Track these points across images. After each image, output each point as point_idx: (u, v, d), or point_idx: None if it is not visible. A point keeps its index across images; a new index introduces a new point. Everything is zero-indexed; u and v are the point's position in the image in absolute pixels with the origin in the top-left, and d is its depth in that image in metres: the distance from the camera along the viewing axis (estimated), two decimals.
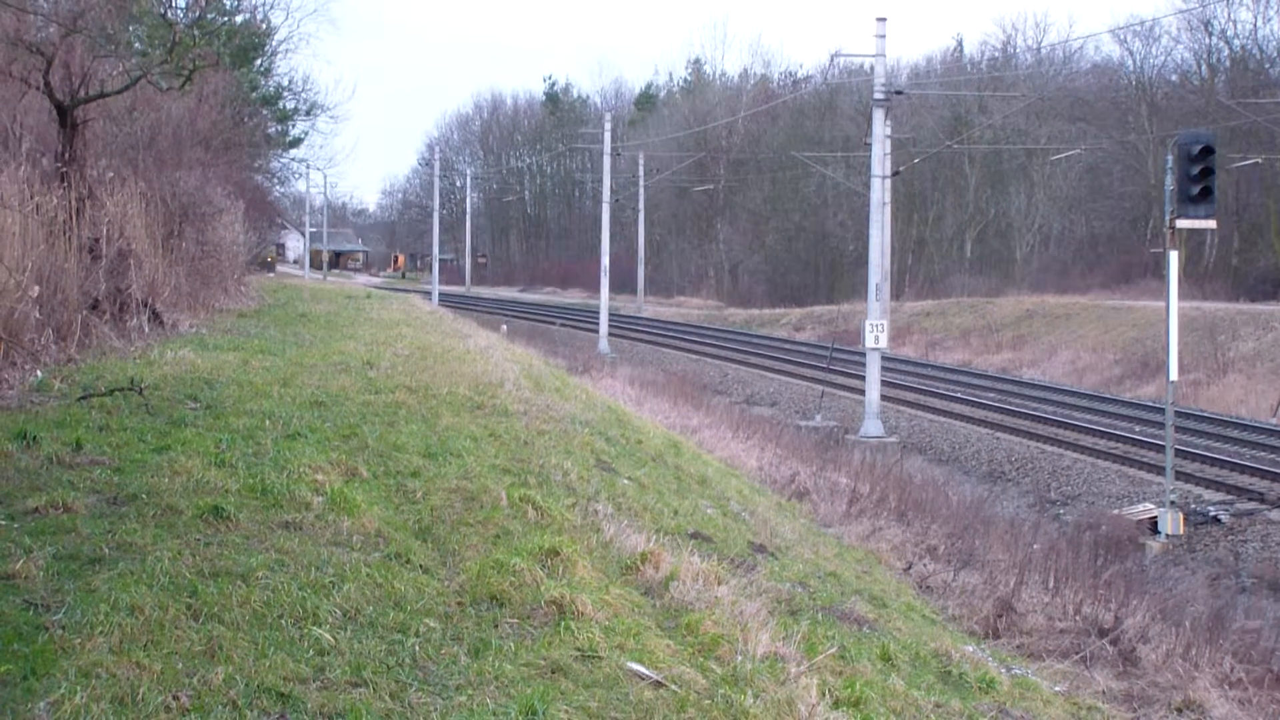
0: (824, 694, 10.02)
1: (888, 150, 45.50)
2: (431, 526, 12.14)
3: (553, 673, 9.11)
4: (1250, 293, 70.05)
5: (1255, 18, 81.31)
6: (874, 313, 42.97)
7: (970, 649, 14.32)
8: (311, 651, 8.77)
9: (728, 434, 33.14)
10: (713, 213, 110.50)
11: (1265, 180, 75.01)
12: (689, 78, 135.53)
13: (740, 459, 28.47)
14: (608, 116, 77.01)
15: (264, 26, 56.22)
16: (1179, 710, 14.23)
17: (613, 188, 74.57)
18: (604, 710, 8.69)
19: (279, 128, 72.85)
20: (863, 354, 44.20)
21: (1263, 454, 36.21)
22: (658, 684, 9.31)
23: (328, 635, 9.02)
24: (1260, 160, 68.84)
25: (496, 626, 9.85)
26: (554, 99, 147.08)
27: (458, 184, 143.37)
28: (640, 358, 62.72)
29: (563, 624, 9.96)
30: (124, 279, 25.52)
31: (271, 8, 57.85)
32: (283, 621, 9.16)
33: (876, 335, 42.47)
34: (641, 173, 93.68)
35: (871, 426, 41.73)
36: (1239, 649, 17.25)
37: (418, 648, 9.13)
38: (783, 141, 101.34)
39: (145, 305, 25.69)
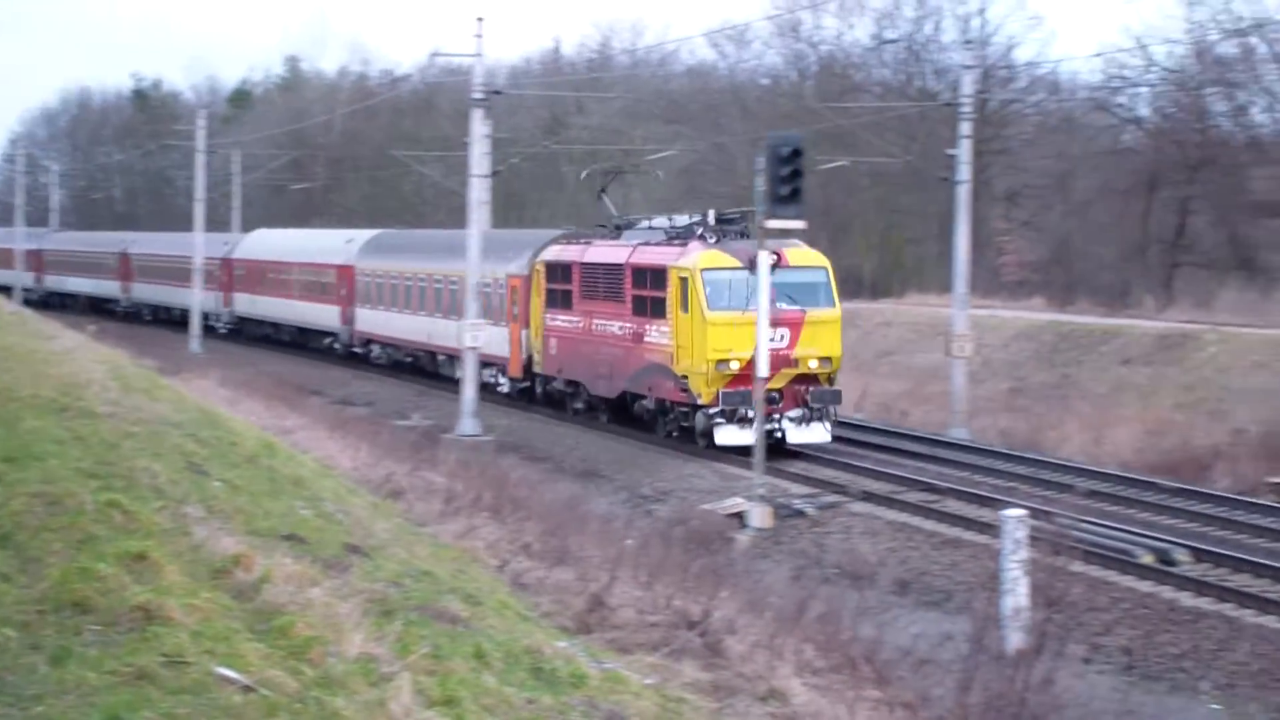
0: (417, 694, 10.05)
1: (487, 150, 45.71)
2: (12, 533, 11.77)
3: (138, 679, 8.96)
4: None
5: (840, 24, 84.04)
6: (471, 312, 43.18)
7: (563, 645, 14.50)
8: None
9: (323, 434, 32.92)
10: (310, 211, 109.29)
11: (850, 182, 77.59)
12: (286, 75, 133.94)
13: (335, 459, 28.28)
14: (201, 114, 75.81)
15: None
16: (763, 699, 14.65)
17: (207, 185, 73.24)
18: (191, 717, 8.59)
19: None
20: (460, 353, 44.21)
21: (843, 448, 37.58)
22: (248, 688, 9.22)
23: None
24: (846, 163, 71.12)
25: (79, 634, 9.63)
26: (142, 95, 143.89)
27: (41, 180, 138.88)
28: (235, 358, 61.54)
29: (149, 629, 9.79)
30: None
31: None
32: None
33: (474, 334, 42.69)
34: (238, 170, 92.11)
35: (468, 425, 41.89)
36: (820, 638, 17.86)
37: None
38: (382, 140, 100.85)
39: None
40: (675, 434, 38.52)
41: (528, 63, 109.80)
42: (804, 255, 38.53)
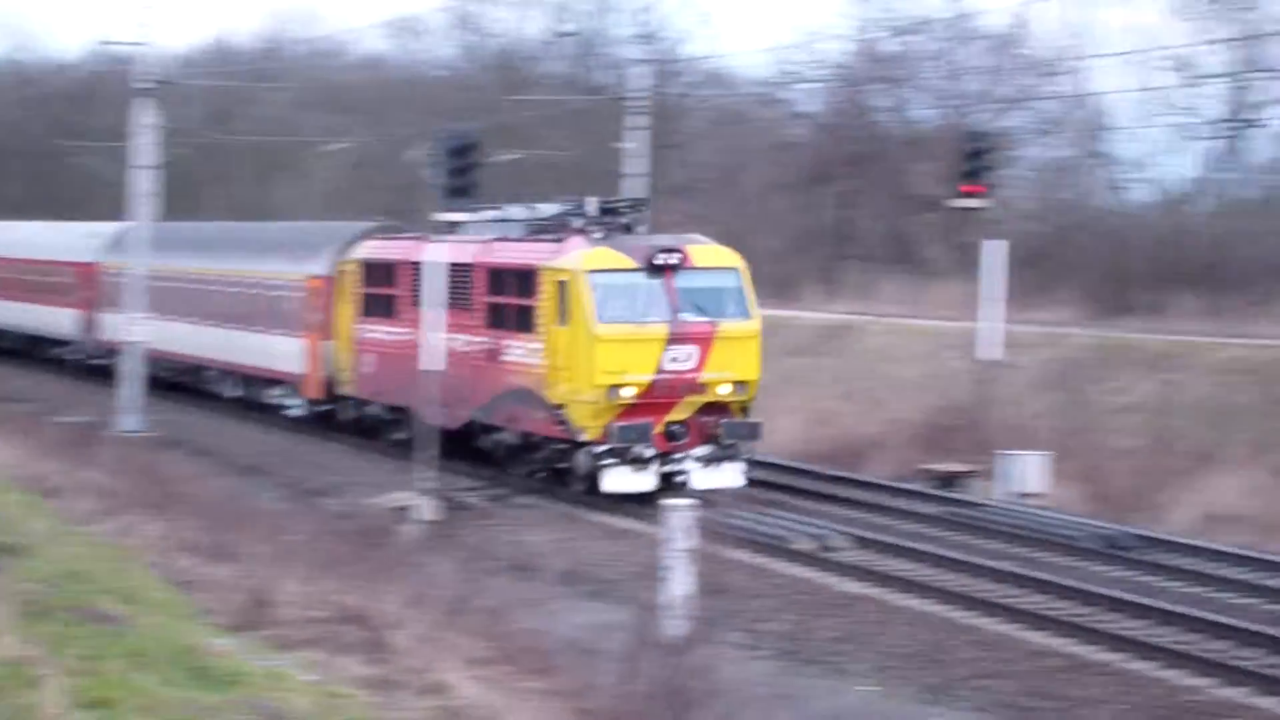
0: (71, 696, 9.93)
1: (154, 140, 44.76)
2: None
3: None
4: None
5: (516, 16, 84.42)
6: (133, 306, 42.47)
7: (224, 642, 14.41)
8: None
9: None
10: None
11: (526, 176, 77.87)
12: None
13: None
14: None
15: None
16: (426, 693, 14.70)
17: None
18: None
19: None
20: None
21: None
22: None
23: None
24: (520, 155, 71.46)
25: None
26: None
27: None
28: None
29: None
30: None
31: None
32: None
33: (136, 328, 42.00)
34: None
35: (131, 421, 41.03)
36: (486, 630, 18.00)
37: None
38: (44, 130, 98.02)
39: None
40: (542, 475, 31.46)
41: (201, 51, 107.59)
42: (712, 254, 31.26)
